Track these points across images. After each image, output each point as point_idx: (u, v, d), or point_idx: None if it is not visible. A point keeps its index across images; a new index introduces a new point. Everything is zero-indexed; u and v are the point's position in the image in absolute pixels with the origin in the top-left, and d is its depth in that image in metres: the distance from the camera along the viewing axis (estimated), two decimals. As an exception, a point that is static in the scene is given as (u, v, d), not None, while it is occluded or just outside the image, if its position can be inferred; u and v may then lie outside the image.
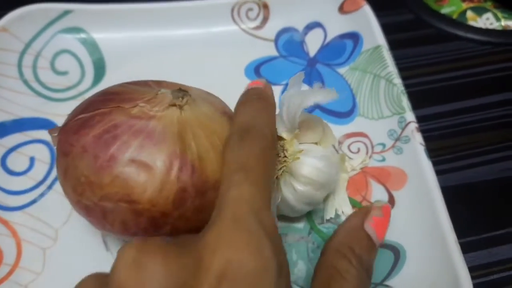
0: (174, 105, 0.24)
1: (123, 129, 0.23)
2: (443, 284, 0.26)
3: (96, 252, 0.29)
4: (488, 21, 0.45)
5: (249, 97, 0.25)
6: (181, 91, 0.25)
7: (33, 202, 0.31)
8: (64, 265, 0.29)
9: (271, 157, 0.22)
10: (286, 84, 0.38)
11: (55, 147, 0.26)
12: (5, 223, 0.30)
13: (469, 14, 0.45)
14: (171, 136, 0.24)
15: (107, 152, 0.23)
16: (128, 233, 0.24)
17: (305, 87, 0.28)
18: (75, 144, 0.24)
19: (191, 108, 0.25)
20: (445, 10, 0.45)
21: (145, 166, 0.23)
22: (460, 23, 0.44)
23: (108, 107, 0.25)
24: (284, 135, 0.28)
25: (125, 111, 0.24)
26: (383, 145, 0.33)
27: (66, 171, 0.24)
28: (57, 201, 0.31)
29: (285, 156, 0.27)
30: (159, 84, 0.28)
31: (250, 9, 0.41)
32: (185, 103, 0.25)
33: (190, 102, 0.25)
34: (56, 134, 0.26)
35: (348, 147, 0.34)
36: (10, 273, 0.28)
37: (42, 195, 0.32)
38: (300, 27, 0.41)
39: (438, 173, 0.30)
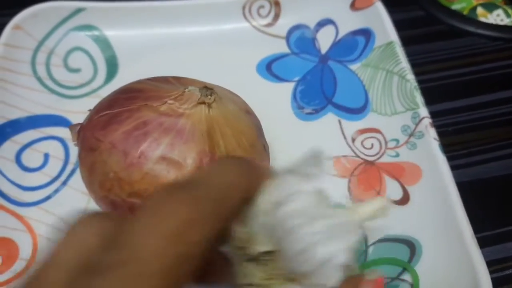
0: (202, 103, 0.24)
1: (153, 126, 0.23)
2: (460, 278, 0.26)
3: (111, 247, 0.29)
4: (498, 17, 0.45)
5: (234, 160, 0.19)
6: (208, 89, 0.25)
7: (48, 198, 0.31)
8: (79, 260, 0.29)
9: (201, 235, 0.15)
10: (298, 81, 0.38)
11: (74, 143, 0.26)
12: (21, 218, 0.30)
13: (480, 10, 0.45)
14: (200, 134, 0.24)
15: (137, 149, 0.23)
16: None
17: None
18: (103, 139, 0.24)
19: (218, 106, 0.25)
20: (455, 7, 0.45)
21: (176, 163, 0.23)
22: (471, 19, 0.44)
23: (136, 104, 0.24)
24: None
25: (154, 108, 0.24)
26: (397, 140, 0.33)
27: (92, 167, 0.24)
28: (71, 197, 0.31)
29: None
30: (179, 80, 0.28)
31: (262, 6, 0.41)
32: (213, 101, 0.25)
33: (217, 100, 0.25)
34: (76, 130, 0.26)
35: (362, 143, 0.34)
36: (26, 268, 0.28)
37: (56, 191, 0.32)
38: (312, 24, 0.41)
39: (451, 168, 0.29)
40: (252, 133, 0.26)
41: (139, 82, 0.27)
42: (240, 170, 0.18)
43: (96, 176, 0.24)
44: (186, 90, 0.25)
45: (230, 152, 0.24)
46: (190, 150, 0.23)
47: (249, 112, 0.27)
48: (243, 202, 0.18)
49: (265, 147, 0.27)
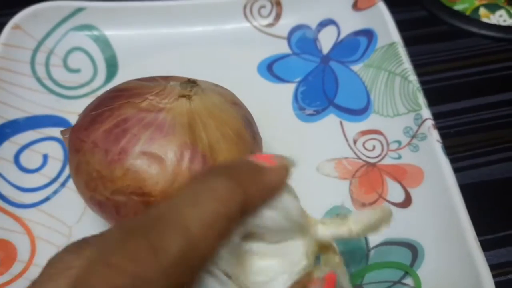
0: (183, 96, 0.24)
1: (132, 122, 0.24)
2: (463, 282, 0.25)
3: (110, 250, 0.29)
4: (501, 18, 0.44)
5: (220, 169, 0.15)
6: (190, 82, 0.25)
7: (46, 199, 0.31)
8: (78, 263, 0.29)
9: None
10: (299, 82, 0.38)
11: (67, 147, 0.26)
12: (19, 220, 0.30)
13: (482, 11, 0.45)
14: (181, 127, 0.24)
15: (117, 146, 0.23)
16: None
17: None
18: (86, 140, 0.24)
19: (200, 99, 0.25)
20: (458, 7, 0.45)
21: (156, 158, 0.23)
22: (474, 19, 0.44)
23: (118, 103, 0.25)
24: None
25: (135, 105, 0.24)
26: (399, 142, 0.33)
27: (78, 168, 0.24)
28: (70, 198, 0.31)
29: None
30: (167, 79, 0.28)
31: (263, 6, 0.40)
32: (194, 93, 0.25)
33: (199, 93, 0.25)
34: (67, 135, 0.26)
35: (363, 144, 0.34)
36: (24, 270, 0.28)
37: (55, 192, 0.32)
38: (313, 24, 0.40)
39: (454, 170, 0.29)
40: (237, 123, 0.26)
41: (125, 82, 0.27)
42: (230, 186, 0.14)
43: (81, 177, 0.24)
44: (168, 85, 0.25)
45: (213, 144, 0.24)
46: (171, 143, 0.23)
47: (236, 103, 0.27)
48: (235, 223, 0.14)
49: (255, 137, 0.27)
